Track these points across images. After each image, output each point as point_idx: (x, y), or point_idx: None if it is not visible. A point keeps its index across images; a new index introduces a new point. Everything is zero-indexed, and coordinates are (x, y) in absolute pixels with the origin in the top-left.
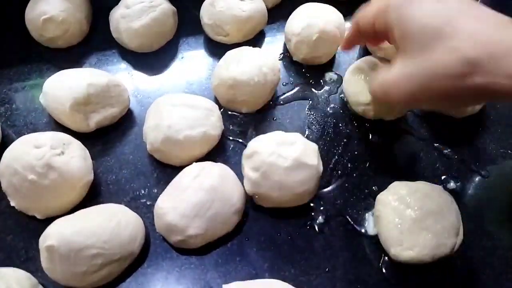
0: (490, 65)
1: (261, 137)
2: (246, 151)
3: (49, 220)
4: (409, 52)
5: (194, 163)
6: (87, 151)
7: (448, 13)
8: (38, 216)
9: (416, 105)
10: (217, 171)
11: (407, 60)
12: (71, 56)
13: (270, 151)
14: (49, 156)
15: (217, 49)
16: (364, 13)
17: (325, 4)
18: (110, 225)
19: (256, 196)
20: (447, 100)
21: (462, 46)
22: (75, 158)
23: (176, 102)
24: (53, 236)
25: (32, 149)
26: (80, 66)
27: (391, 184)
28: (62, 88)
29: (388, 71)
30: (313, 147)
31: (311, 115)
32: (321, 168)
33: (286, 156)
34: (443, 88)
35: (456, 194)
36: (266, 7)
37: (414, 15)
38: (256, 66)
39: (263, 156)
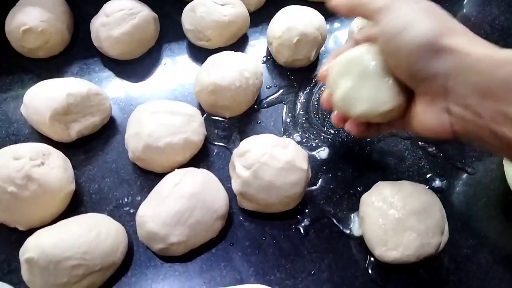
0: None
1: (254, 137)
2: (239, 150)
3: (31, 231)
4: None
5: (176, 170)
6: (68, 161)
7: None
8: (20, 228)
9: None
10: (198, 177)
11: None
12: (53, 66)
13: (263, 151)
14: (28, 168)
15: (200, 54)
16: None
17: (306, 7)
18: (90, 235)
19: (241, 197)
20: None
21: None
22: (55, 169)
23: (157, 109)
24: (31, 248)
25: (11, 161)
26: (62, 76)
27: (374, 185)
28: (41, 99)
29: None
30: (304, 153)
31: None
32: (310, 174)
33: (279, 157)
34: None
35: (442, 192)
36: (248, 11)
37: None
38: (237, 70)
39: (256, 155)
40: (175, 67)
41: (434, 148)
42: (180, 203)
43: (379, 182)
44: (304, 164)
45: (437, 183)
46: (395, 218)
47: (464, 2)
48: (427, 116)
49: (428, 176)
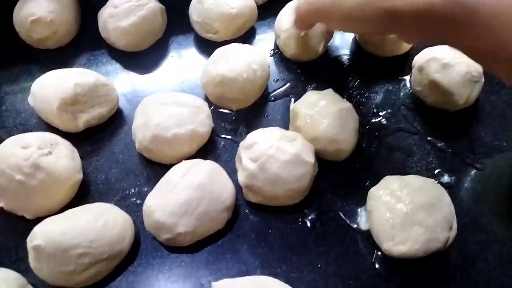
0: None
1: (261, 130)
2: (245, 142)
3: (38, 220)
4: None
5: (183, 161)
6: (76, 150)
7: None
8: (27, 216)
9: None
10: (206, 168)
11: None
12: (61, 56)
13: (270, 143)
14: (36, 156)
15: (207, 47)
16: None
17: None
18: (97, 224)
19: (247, 189)
20: (362, 23)
21: None
22: (62, 158)
23: (164, 100)
24: (39, 235)
25: (19, 149)
26: (70, 67)
27: (382, 179)
28: (49, 88)
29: None
30: (311, 147)
31: None
32: (316, 168)
33: (285, 150)
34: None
35: (451, 188)
36: (256, 4)
37: None
38: (244, 62)
39: (263, 147)
40: (182, 59)
41: (443, 143)
42: (187, 193)
43: (387, 176)
44: (310, 158)
45: (446, 178)
46: (403, 212)
47: None
48: None
49: (436, 171)
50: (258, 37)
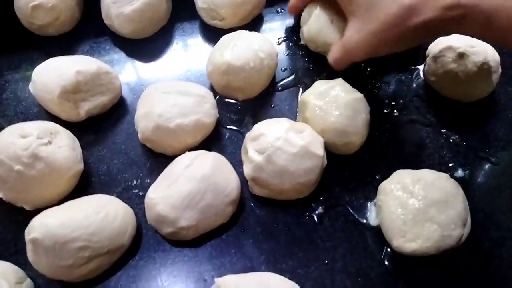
0: (421, 4)
1: (268, 121)
2: (252, 133)
3: (38, 211)
4: (358, 14)
5: (187, 152)
6: (77, 140)
7: None
8: (27, 208)
9: (376, 54)
10: (210, 160)
11: (358, 21)
12: (63, 44)
13: (278, 135)
14: (35, 146)
15: (213, 35)
16: None
17: None
18: (97, 217)
19: (253, 182)
20: (399, 43)
21: None
22: (63, 148)
23: (168, 89)
24: (37, 228)
25: (18, 139)
26: (72, 54)
27: (394, 172)
28: (50, 76)
29: (345, 37)
30: (320, 139)
31: None
32: (325, 161)
33: (293, 142)
34: (392, 35)
35: (465, 183)
36: None
37: None
38: (252, 50)
39: (270, 139)
40: (187, 47)
41: (456, 136)
42: (191, 185)
43: (398, 170)
44: (320, 150)
45: (459, 173)
46: (415, 208)
47: None
48: None
49: (450, 165)
50: (266, 24)
